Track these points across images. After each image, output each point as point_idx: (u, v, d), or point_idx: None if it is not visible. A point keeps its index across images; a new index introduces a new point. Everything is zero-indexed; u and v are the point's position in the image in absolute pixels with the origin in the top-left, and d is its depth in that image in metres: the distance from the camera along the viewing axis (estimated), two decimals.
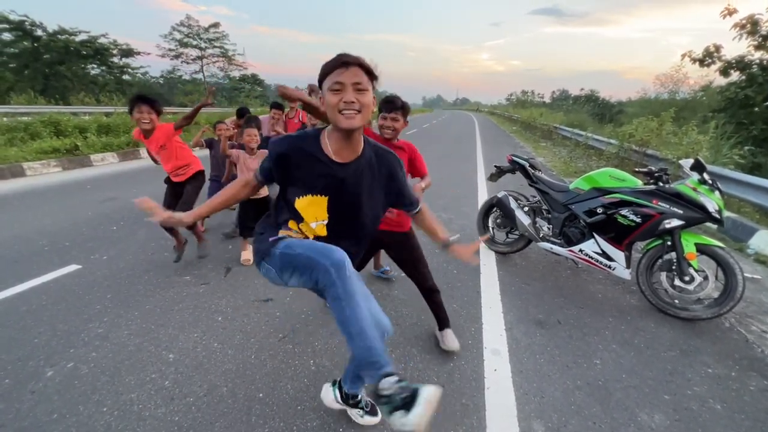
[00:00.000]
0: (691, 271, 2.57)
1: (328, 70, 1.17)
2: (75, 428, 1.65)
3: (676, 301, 2.67)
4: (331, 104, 1.16)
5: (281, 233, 1.34)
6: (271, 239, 1.32)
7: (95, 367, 2.02)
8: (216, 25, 34.42)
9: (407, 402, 0.99)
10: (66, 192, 5.70)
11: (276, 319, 2.51)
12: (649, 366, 2.17)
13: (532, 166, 3.48)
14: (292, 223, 1.33)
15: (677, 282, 2.62)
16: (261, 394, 1.86)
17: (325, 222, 1.32)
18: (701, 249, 2.59)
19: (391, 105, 2.04)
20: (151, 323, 2.42)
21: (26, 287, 2.83)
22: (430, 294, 2.23)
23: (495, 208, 3.69)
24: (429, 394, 1.00)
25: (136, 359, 2.09)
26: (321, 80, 1.21)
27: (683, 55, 10.79)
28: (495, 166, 3.76)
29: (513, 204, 3.46)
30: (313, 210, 1.29)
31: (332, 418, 1.73)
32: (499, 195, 3.57)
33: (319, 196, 1.28)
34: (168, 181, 3.25)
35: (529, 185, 3.46)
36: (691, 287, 2.59)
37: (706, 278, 2.59)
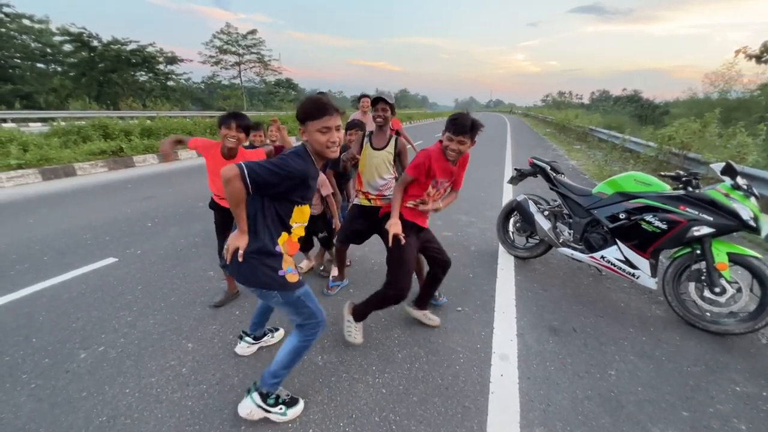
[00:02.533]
0: (723, 282, 2.41)
1: (316, 115, 1.44)
2: (100, 406, 1.79)
3: (707, 314, 2.51)
4: (320, 142, 1.47)
5: (280, 250, 1.55)
6: (282, 274, 1.55)
7: (122, 352, 2.19)
8: (253, 32, 35.89)
9: (289, 402, 1.74)
10: (110, 190, 6.15)
11: None
12: (669, 380, 2.05)
13: (553, 169, 3.38)
14: (283, 236, 1.55)
15: (707, 293, 2.46)
16: None
17: (305, 224, 1.64)
18: (734, 259, 2.42)
19: (461, 127, 1.78)
20: (175, 314, 2.58)
21: (70, 276, 3.10)
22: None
23: (515, 212, 3.62)
24: (301, 407, 1.77)
25: (159, 346, 2.24)
26: (305, 118, 1.47)
27: (737, 52, 10.08)
28: (515, 169, 3.69)
29: (533, 208, 3.38)
30: (302, 215, 1.59)
31: (334, 411, 1.78)
32: (519, 198, 3.50)
33: (306, 204, 1.59)
34: (215, 206, 2.66)
35: (550, 189, 3.37)
36: (722, 299, 2.42)
37: (739, 290, 2.42)
